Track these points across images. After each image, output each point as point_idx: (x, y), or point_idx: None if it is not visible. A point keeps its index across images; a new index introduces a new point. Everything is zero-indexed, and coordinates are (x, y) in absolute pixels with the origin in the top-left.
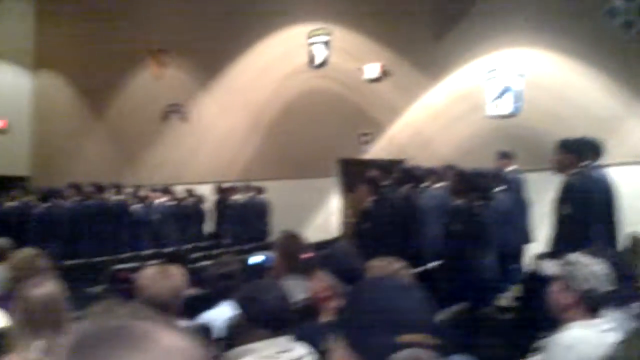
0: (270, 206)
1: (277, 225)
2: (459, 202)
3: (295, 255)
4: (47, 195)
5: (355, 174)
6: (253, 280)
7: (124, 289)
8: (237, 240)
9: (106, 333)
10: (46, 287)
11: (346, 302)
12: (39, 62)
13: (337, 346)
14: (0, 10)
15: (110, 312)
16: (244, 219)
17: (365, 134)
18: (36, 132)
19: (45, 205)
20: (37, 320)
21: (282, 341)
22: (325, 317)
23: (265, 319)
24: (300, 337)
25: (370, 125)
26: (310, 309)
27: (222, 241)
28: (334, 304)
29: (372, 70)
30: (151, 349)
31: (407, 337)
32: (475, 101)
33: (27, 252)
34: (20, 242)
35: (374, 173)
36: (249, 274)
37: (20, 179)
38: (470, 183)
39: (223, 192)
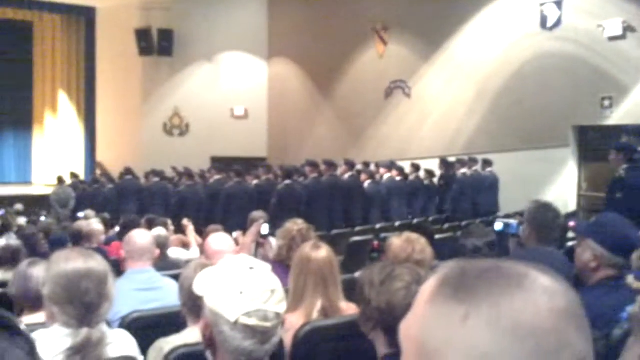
0: (498, 179)
1: (506, 199)
2: None
3: (547, 225)
4: (289, 173)
5: (595, 141)
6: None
7: (373, 258)
8: (466, 214)
9: (485, 270)
10: (324, 250)
11: None
12: (272, 50)
13: None
14: (239, 7)
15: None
16: (472, 193)
17: (606, 98)
18: (271, 116)
19: (287, 182)
20: (318, 281)
21: None
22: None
23: None
24: None
25: (612, 88)
26: (577, 279)
27: (450, 215)
28: (601, 274)
29: (613, 27)
30: (533, 289)
31: None
32: None
33: (299, 223)
34: None
35: (626, 139)
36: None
37: (260, 159)
38: None
39: (448, 167)
